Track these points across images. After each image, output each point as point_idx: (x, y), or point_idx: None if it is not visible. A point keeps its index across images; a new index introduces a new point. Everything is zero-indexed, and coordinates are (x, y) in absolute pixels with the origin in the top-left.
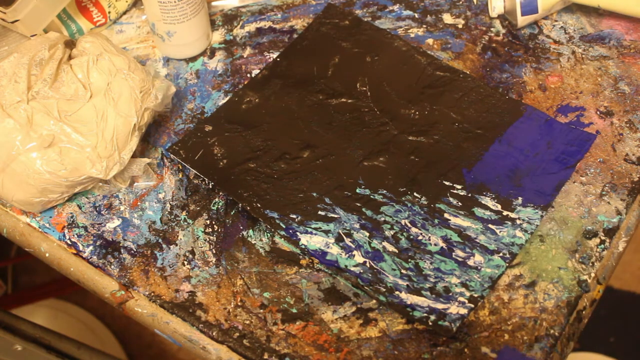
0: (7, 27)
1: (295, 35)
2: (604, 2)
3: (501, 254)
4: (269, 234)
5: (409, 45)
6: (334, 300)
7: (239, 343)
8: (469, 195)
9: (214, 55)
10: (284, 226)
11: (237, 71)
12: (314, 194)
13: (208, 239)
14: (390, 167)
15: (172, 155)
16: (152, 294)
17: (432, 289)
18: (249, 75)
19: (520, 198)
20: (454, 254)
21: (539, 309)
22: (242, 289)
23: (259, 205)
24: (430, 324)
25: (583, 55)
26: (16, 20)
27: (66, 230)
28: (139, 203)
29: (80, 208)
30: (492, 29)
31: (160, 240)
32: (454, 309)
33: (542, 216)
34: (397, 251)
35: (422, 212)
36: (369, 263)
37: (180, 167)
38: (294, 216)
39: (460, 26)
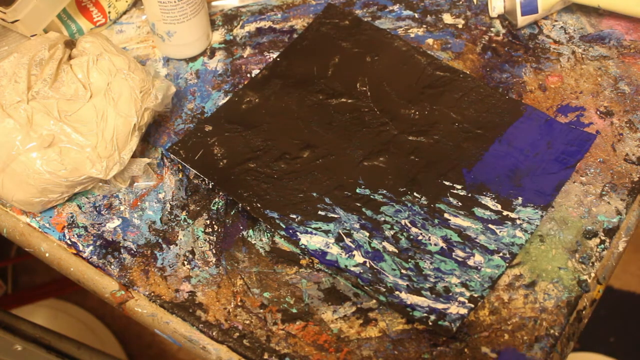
0: (7, 27)
1: (295, 35)
2: (604, 2)
3: (501, 254)
4: (269, 234)
5: (409, 45)
6: (334, 300)
7: (239, 343)
8: (469, 195)
9: (214, 55)
10: (284, 226)
11: (237, 71)
12: (314, 194)
13: (208, 239)
14: (390, 167)
15: (172, 155)
16: (152, 294)
17: (432, 289)
18: (249, 75)
19: (520, 198)
20: (454, 254)
21: (539, 309)
22: (242, 289)
23: (259, 205)
24: (430, 324)
25: (583, 55)
26: (16, 20)
27: (66, 230)
28: (139, 203)
29: (80, 208)
30: (492, 29)
31: (160, 240)
32: (454, 309)
33: (542, 216)
34: (397, 251)
35: (422, 212)
36: (369, 263)
37: (180, 167)
38: (294, 216)
39: (460, 26)
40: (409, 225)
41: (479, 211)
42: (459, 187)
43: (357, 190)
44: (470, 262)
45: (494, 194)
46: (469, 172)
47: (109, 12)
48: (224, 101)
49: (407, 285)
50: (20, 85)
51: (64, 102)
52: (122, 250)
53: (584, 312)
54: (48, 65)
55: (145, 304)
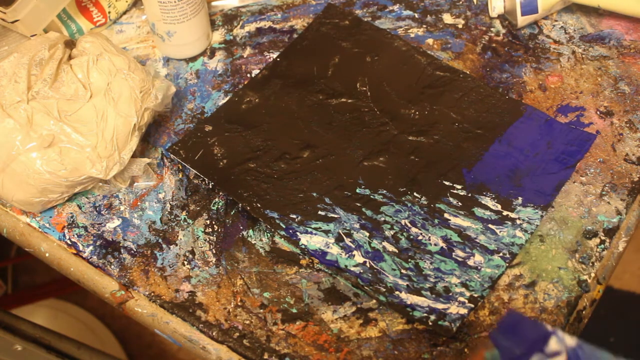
0: (7, 27)
1: (295, 35)
2: (604, 2)
3: (501, 254)
4: (269, 234)
5: (409, 45)
6: (334, 300)
7: (239, 343)
8: (469, 195)
9: (214, 55)
10: (284, 226)
11: (237, 71)
12: (314, 194)
13: (208, 239)
14: (390, 167)
15: (172, 155)
16: (152, 294)
17: (432, 289)
18: (249, 75)
19: (520, 198)
20: (454, 254)
21: (539, 309)
22: (242, 289)
23: (259, 205)
24: (430, 324)
25: (583, 55)
26: (16, 20)
27: (66, 230)
28: (139, 203)
29: (80, 208)
30: (492, 29)
31: (160, 240)
32: (454, 309)
33: (542, 216)
34: (397, 251)
35: (422, 212)
36: (369, 263)
37: (180, 167)
38: (294, 216)
39: (460, 26)
40: (409, 225)
41: (479, 211)
42: (459, 187)
43: (357, 190)
44: (470, 262)
45: (494, 194)
46: (469, 172)
47: (109, 12)
48: (224, 101)
49: (407, 285)
50: (20, 85)
51: (64, 102)
52: (122, 250)
53: (584, 312)
54: (48, 65)
55: (145, 304)
